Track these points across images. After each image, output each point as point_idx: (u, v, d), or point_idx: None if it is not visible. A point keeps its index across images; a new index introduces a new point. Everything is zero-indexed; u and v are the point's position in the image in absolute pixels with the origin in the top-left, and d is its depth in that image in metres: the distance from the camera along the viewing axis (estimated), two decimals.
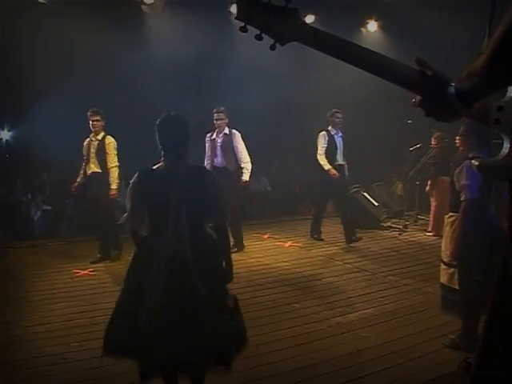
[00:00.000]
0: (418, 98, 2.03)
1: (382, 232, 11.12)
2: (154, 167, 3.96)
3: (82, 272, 8.04)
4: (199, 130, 15.41)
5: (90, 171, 8.76)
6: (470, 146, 5.28)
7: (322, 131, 10.12)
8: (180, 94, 13.30)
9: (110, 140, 8.71)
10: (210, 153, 9.38)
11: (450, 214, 5.59)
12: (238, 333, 4.09)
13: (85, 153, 8.80)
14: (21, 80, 12.06)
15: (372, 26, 15.01)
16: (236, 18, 2.04)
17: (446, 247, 5.61)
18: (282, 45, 2.08)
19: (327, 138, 10.02)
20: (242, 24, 2.04)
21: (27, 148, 13.46)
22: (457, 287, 5.43)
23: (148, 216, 3.93)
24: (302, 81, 14.60)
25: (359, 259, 8.82)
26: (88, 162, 8.78)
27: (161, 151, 3.95)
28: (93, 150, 8.71)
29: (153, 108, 13.61)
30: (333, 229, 11.24)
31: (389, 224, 11.61)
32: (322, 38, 2.07)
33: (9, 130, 15.84)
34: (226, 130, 9.33)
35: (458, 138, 5.58)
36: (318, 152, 10.00)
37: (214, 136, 9.40)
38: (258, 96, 14.02)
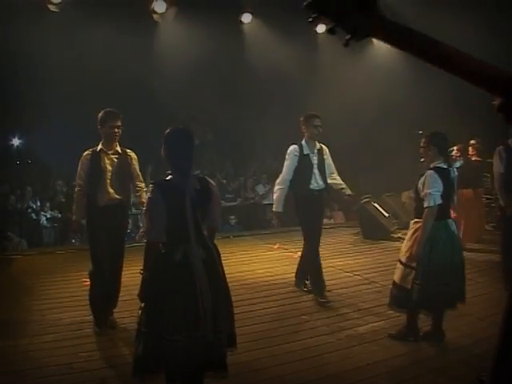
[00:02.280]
0: (500, 101, 1.84)
1: (392, 243, 11.03)
2: (168, 179, 4.08)
3: None
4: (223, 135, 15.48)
5: (106, 198, 6.18)
6: (431, 157, 5.65)
7: (292, 145, 7.52)
8: (193, 101, 13.34)
9: (133, 154, 6.47)
10: (302, 174, 7.33)
11: (415, 219, 5.74)
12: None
13: (91, 171, 6.20)
14: (32, 88, 12.10)
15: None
16: (306, 6, 1.78)
17: (406, 249, 5.73)
18: (358, 40, 1.81)
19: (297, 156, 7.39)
20: (314, 15, 1.79)
21: (37, 155, 13.51)
22: (408, 286, 5.62)
23: (169, 227, 3.99)
24: (316, 87, 14.60)
25: (369, 271, 8.76)
26: (104, 186, 6.16)
27: (170, 163, 4.10)
28: (110, 168, 6.19)
29: (166, 115, 13.75)
30: (342, 239, 11.21)
31: (399, 235, 11.52)
32: (404, 34, 1.83)
33: (19, 138, 15.91)
34: (318, 145, 7.51)
35: (420, 149, 5.86)
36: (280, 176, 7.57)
37: (306, 151, 7.40)
38: (271, 102, 14.06)
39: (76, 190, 6.33)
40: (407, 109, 13.65)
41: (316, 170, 7.39)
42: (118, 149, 6.29)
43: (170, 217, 3.97)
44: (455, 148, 10.62)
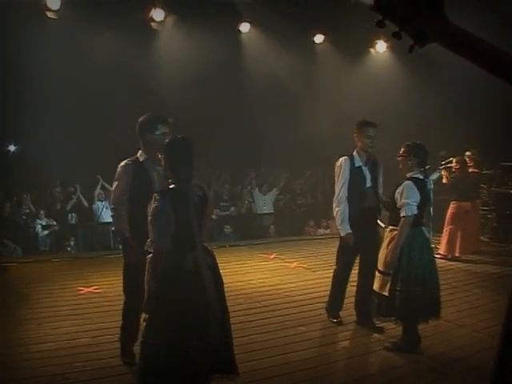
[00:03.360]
0: None
1: None
2: (171, 187, 4.17)
3: (86, 290, 7.97)
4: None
5: None
6: (409, 167, 5.72)
7: (342, 157, 6.64)
8: (190, 109, 13.35)
9: None
10: (352, 190, 6.50)
11: (391, 227, 5.84)
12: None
13: (137, 184, 5.29)
14: (29, 94, 12.09)
15: (381, 46, 14.97)
16: (372, 9, 1.70)
17: (383, 257, 5.78)
18: (421, 46, 1.74)
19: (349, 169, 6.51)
20: (379, 17, 1.70)
21: (34, 161, 13.47)
22: (386, 294, 5.64)
23: (177, 235, 4.05)
24: (309, 94, 14.63)
25: None
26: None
27: (172, 172, 4.18)
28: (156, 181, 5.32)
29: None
30: None
31: None
32: (471, 43, 1.76)
33: (15, 144, 15.87)
34: (371, 157, 6.63)
35: (398, 158, 5.88)
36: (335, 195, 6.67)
37: (358, 163, 6.53)
38: (270, 112, 14.07)
39: (117, 207, 5.30)
40: (405, 118, 13.67)
41: (369, 185, 6.51)
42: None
43: (177, 225, 4.01)
44: (454, 160, 10.66)
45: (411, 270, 5.56)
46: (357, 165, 6.49)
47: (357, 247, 6.62)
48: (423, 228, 5.82)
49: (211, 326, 3.98)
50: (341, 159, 6.59)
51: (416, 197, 5.55)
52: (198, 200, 4.16)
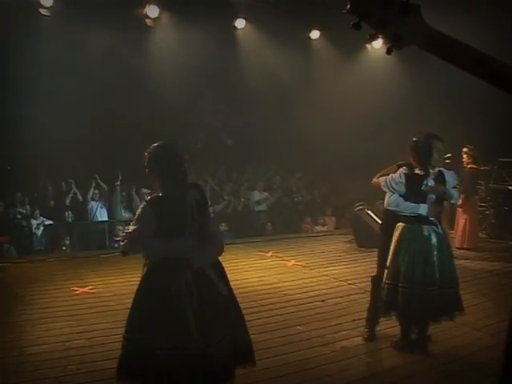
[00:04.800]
0: None
1: None
2: (160, 195, 4.07)
3: (81, 290, 7.90)
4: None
5: None
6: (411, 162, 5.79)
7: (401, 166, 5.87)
8: (186, 105, 13.30)
9: None
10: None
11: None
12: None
13: None
14: (20, 91, 12.02)
15: (377, 42, 14.87)
16: (347, 13, 1.72)
17: None
18: (399, 48, 1.76)
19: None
20: (355, 20, 1.72)
21: (27, 160, 13.39)
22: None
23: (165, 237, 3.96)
24: (305, 90, 14.58)
25: (364, 280, 8.60)
26: None
27: (159, 179, 4.07)
28: None
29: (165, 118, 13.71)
30: (336, 247, 11.14)
31: None
32: (447, 45, 1.80)
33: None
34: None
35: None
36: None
37: (416, 170, 5.80)
38: (265, 108, 14.03)
39: None
40: (401, 114, 13.61)
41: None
42: None
43: (165, 232, 3.92)
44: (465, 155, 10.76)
45: (397, 264, 5.62)
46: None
47: None
48: (423, 226, 5.66)
49: (186, 335, 3.83)
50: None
51: (399, 189, 5.65)
52: (197, 203, 4.03)
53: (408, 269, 5.56)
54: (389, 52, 1.78)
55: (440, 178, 5.73)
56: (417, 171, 5.69)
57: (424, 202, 5.60)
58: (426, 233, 5.67)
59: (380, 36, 1.76)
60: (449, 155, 10.65)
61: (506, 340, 2.14)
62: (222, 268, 4.19)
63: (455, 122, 12.33)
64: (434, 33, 1.78)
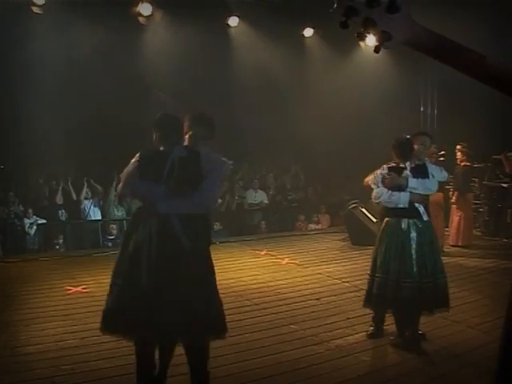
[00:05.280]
0: None
1: None
2: (150, 148, 4.55)
3: (75, 289, 7.86)
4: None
5: None
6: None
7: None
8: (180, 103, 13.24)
9: None
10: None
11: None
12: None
13: None
14: (13, 89, 11.98)
15: (371, 40, 14.85)
16: (335, 11, 1.71)
17: None
18: (387, 47, 1.77)
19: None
20: (342, 18, 1.71)
21: (20, 159, 13.35)
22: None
23: (142, 191, 4.44)
24: (298, 88, 14.56)
25: (358, 277, 8.62)
26: None
27: (159, 139, 4.46)
28: None
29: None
30: (330, 245, 11.14)
31: None
32: (437, 43, 1.81)
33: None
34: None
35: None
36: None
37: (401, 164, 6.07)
38: (259, 106, 14.01)
39: None
40: (395, 112, 13.62)
41: None
42: None
43: (143, 175, 4.29)
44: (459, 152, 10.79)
45: (376, 256, 5.91)
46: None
47: None
48: (403, 220, 5.79)
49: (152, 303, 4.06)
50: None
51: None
52: (180, 160, 4.26)
53: (384, 261, 5.77)
54: (376, 50, 1.78)
55: (422, 170, 5.87)
56: (401, 165, 5.88)
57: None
58: (403, 226, 5.77)
59: (367, 35, 1.76)
60: (443, 152, 10.70)
61: (501, 337, 2.14)
62: (202, 233, 4.38)
63: (449, 119, 12.35)
64: (422, 31, 1.79)
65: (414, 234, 5.72)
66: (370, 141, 13.52)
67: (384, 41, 1.75)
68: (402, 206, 5.75)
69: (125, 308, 4.16)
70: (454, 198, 11.08)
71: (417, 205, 5.80)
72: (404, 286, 5.60)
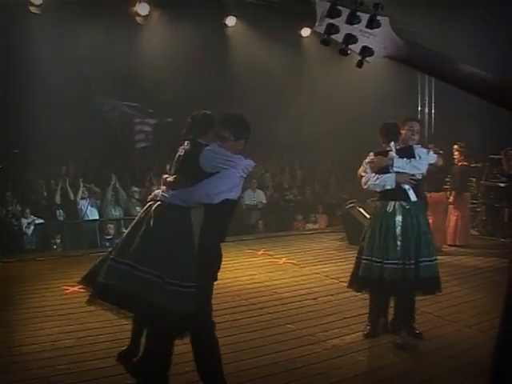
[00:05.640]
0: None
1: None
2: None
3: (71, 289, 7.82)
4: None
5: None
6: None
7: None
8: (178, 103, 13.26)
9: None
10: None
11: None
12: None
13: None
14: (12, 89, 11.97)
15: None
16: (316, 29, 1.80)
17: None
18: (370, 61, 1.82)
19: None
20: (323, 36, 1.78)
21: (17, 159, 13.34)
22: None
23: None
24: (296, 87, 14.56)
25: None
26: None
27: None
28: None
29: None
30: (327, 245, 11.13)
31: None
32: (419, 56, 1.85)
33: None
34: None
35: None
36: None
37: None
38: (256, 107, 13.99)
39: None
40: (392, 110, 13.62)
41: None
42: None
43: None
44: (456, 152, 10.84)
45: (364, 239, 5.99)
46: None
47: None
48: (389, 202, 5.87)
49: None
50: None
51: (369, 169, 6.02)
52: (184, 152, 4.49)
53: (369, 243, 5.86)
54: (359, 65, 1.83)
55: (408, 151, 5.92)
56: (387, 149, 5.99)
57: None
58: (388, 208, 5.83)
59: (349, 51, 1.80)
60: (441, 152, 10.70)
61: (497, 338, 2.14)
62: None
63: (447, 118, 12.35)
64: (403, 43, 1.82)
65: (399, 217, 5.77)
66: (368, 140, 13.50)
67: (365, 56, 1.79)
68: (388, 187, 5.82)
69: None
70: (451, 197, 11.08)
71: (405, 186, 5.82)
72: (386, 267, 5.66)
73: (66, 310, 6.90)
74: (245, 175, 4.42)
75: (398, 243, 5.69)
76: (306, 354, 5.55)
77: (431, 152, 6.17)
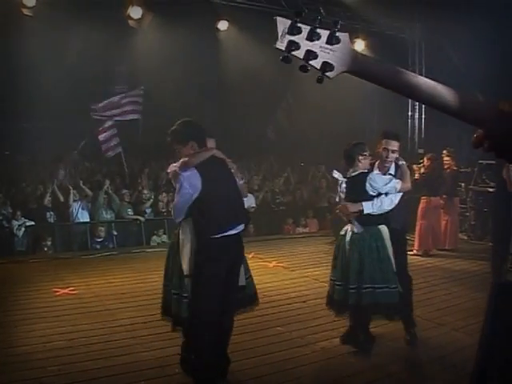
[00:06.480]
0: (481, 133, 1.82)
1: None
2: None
3: (62, 291, 7.87)
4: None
5: None
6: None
7: None
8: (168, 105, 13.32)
9: None
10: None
11: None
12: None
13: None
14: (4, 92, 11.99)
15: (359, 44, 14.88)
16: (276, 47, 1.81)
17: None
18: (331, 77, 1.83)
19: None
20: (284, 53, 1.80)
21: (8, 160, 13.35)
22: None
23: None
24: (291, 93, 14.63)
25: None
26: None
27: None
28: None
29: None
30: (317, 249, 11.17)
31: None
32: (377, 70, 1.87)
33: None
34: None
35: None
36: None
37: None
38: (245, 109, 14.07)
39: None
40: (382, 116, 13.71)
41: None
42: None
43: None
44: (425, 157, 10.84)
45: (338, 262, 5.85)
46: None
47: None
48: (348, 225, 5.86)
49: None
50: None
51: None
52: None
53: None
54: (319, 81, 1.83)
55: (359, 183, 5.67)
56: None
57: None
58: (342, 232, 5.91)
59: (309, 67, 1.82)
60: (428, 155, 10.80)
61: (479, 341, 2.19)
62: None
63: (436, 124, 12.43)
64: (362, 59, 1.85)
65: (348, 240, 5.78)
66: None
67: (326, 71, 1.81)
68: None
69: None
70: (441, 201, 11.15)
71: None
72: (335, 287, 5.82)
73: (58, 311, 6.94)
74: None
75: (340, 264, 5.76)
76: (296, 356, 5.60)
77: (394, 180, 5.65)
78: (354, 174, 5.72)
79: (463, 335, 6.19)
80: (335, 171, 6.04)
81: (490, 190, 12.38)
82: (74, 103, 13.17)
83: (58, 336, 6.04)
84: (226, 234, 4.65)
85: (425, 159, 10.82)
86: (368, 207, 5.58)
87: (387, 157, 5.76)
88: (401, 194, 5.70)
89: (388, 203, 5.61)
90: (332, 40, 1.78)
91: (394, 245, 5.75)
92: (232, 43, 13.70)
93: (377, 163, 5.96)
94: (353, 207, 5.67)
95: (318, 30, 1.77)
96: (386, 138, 5.79)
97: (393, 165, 5.88)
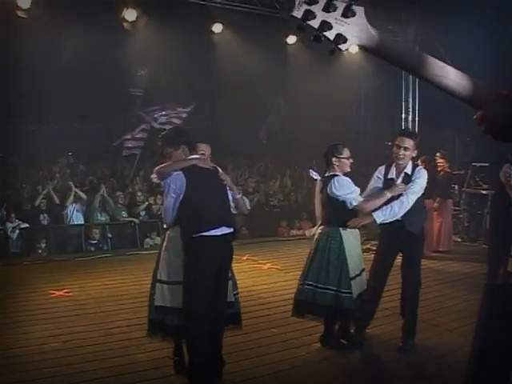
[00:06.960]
0: (480, 114, 1.88)
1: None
2: None
3: (58, 293, 7.88)
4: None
5: None
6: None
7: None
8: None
9: None
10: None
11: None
12: None
13: None
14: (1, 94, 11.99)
15: (354, 47, 14.91)
16: (292, 15, 1.82)
17: None
18: (343, 49, 1.86)
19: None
20: (300, 23, 1.81)
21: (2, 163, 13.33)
22: None
23: None
24: (285, 94, 14.66)
25: None
26: None
27: None
28: None
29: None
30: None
31: (368, 246, 11.51)
32: (390, 47, 1.89)
33: None
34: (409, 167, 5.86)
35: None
36: None
37: (391, 174, 5.95)
38: (240, 111, 14.08)
39: None
40: (376, 118, 13.74)
41: None
42: None
43: None
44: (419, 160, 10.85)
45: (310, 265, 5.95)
46: (389, 176, 5.95)
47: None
48: (331, 229, 5.82)
49: None
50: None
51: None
52: None
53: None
54: (331, 53, 1.87)
55: (327, 182, 5.74)
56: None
57: None
58: (316, 235, 6.01)
59: (323, 37, 1.84)
60: (422, 157, 10.84)
61: (473, 342, 2.21)
62: None
63: (430, 127, 12.47)
64: (376, 34, 1.86)
65: (316, 240, 6.00)
66: (352, 148, 13.62)
67: (339, 43, 1.84)
68: None
69: None
70: (435, 204, 11.19)
71: None
72: (305, 288, 5.93)
73: (53, 313, 6.94)
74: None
75: (308, 263, 5.95)
76: (291, 358, 5.62)
77: (357, 193, 5.64)
78: (326, 175, 5.81)
79: (457, 336, 6.22)
80: (311, 170, 6.15)
81: (484, 192, 12.44)
82: (68, 105, 13.16)
83: (54, 338, 6.04)
84: (209, 234, 4.66)
85: (418, 161, 10.85)
86: (379, 216, 5.54)
87: (398, 153, 5.70)
88: (416, 196, 5.65)
89: (399, 206, 5.55)
90: (348, 13, 1.79)
91: (409, 249, 5.86)
92: (226, 46, 13.71)
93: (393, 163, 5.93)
94: (363, 220, 5.68)
95: (335, 2, 1.79)
96: (400, 136, 5.80)
97: (410, 165, 5.81)
